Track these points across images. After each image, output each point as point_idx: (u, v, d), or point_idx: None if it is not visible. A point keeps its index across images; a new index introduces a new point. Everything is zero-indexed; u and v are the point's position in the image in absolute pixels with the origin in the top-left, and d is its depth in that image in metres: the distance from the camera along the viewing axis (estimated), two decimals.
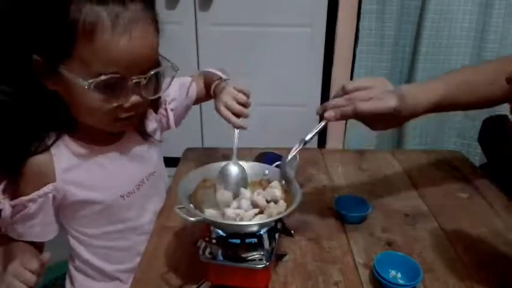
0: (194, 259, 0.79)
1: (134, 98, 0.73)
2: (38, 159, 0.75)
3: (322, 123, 0.78)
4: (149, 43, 0.71)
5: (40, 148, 0.75)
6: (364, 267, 0.78)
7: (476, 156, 1.64)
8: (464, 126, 1.68)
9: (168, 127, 0.97)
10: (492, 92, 0.83)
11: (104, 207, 0.83)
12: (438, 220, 0.93)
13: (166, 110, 0.94)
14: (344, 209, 0.91)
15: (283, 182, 0.77)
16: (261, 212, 0.73)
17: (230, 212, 0.71)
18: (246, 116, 0.86)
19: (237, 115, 0.85)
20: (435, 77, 0.86)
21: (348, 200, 0.94)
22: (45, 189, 0.76)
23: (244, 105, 0.86)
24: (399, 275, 0.74)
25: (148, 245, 0.84)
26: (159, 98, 0.89)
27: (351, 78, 1.70)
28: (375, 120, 0.77)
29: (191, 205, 0.70)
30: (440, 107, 0.82)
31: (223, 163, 0.80)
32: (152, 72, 0.73)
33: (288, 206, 0.71)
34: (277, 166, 0.81)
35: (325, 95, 1.78)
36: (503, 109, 1.66)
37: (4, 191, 0.76)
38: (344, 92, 0.78)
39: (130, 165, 0.87)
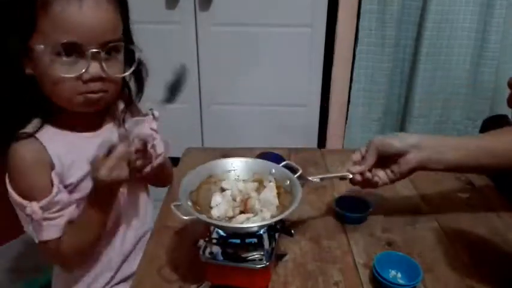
0: (194, 259, 0.79)
1: (93, 69, 0.74)
2: (32, 147, 0.77)
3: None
4: (104, 16, 0.74)
5: (24, 135, 0.77)
6: (364, 267, 0.78)
7: None
8: (465, 127, 1.67)
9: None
10: None
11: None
12: (438, 220, 0.93)
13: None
14: (344, 209, 0.91)
15: (288, 182, 0.76)
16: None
17: (215, 212, 0.71)
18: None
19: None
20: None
21: (348, 200, 0.94)
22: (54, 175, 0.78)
23: None
24: (399, 274, 0.74)
25: (148, 245, 0.84)
26: (130, 95, 0.90)
27: (351, 78, 1.70)
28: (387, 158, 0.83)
29: (189, 202, 0.70)
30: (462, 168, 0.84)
31: (233, 160, 0.81)
32: (111, 45, 0.75)
33: (286, 206, 0.71)
34: (284, 166, 0.80)
35: (325, 95, 1.78)
36: (503, 109, 1.66)
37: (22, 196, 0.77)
38: None
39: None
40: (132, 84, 0.89)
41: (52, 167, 0.79)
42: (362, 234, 0.87)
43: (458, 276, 0.76)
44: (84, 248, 0.84)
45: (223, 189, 0.76)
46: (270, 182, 0.77)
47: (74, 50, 0.73)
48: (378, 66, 1.65)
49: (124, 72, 0.81)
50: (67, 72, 0.74)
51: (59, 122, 0.82)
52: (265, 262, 0.69)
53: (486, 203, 1.00)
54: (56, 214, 0.79)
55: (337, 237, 0.87)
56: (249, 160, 0.81)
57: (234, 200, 0.74)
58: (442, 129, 1.70)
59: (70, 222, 0.81)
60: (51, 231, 0.79)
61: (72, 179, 0.82)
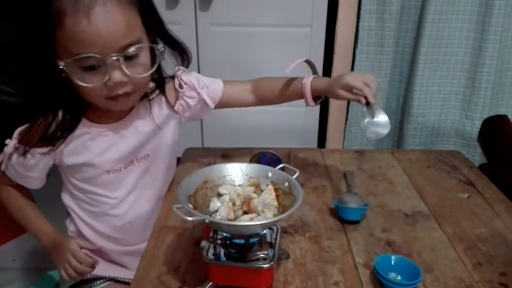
0: (194, 259, 0.79)
1: (116, 76, 0.75)
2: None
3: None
4: (116, 22, 0.73)
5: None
6: (364, 267, 0.78)
7: (476, 156, 1.64)
8: (464, 126, 1.68)
9: (200, 114, 1.00)
10: None
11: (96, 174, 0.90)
12: (438, 220, 0.93)
13: (198, 93, 0.96)
14: (344, 209, 0.91)
15: (286, 184, 0.77)
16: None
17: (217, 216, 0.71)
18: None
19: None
20: None
21: (347, 198, 0.94)
22: (45, 149, 0.84)
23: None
24: (399, 277, 0.74)
25: (148, 245, 0.84)
26: (163, 78, 0.92)
27: None
28: None
29: (190, 205, 0.70)
30: None
31: (229, 165, 0.81)
32: (132, 49, 0.75)
33: (287, 207, 0.71)
34: (281, 169, 0.80)
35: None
36: (502, 109, 1.67)
37: (21, 133, 0.85)
38: None
39: (123, 143, 0.89)
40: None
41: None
42: (362, 234, 0.88)
43: (458, 277, 0.76)
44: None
45: (220, 194, 0.76)
46: (268, 185, 0.77)
47: (93, 61, 0.74)
48: (378, 66, 1.66)
49: (151, 66, 0.81)
50: (92, 82, 0.76)
51: (89, 114, 0.86)
52: (270, 262, 0.69)
53: (486, 203, 1.00)
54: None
55: (337, 237, 0.87)
56: (245, 165, 0.81)
57: (234, 204, 0.74)
58: (441, 129, 1.71)
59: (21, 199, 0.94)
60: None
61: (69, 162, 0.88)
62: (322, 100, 0.97)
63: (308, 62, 0.97)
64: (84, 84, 0.76)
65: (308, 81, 0.94)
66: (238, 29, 1.68)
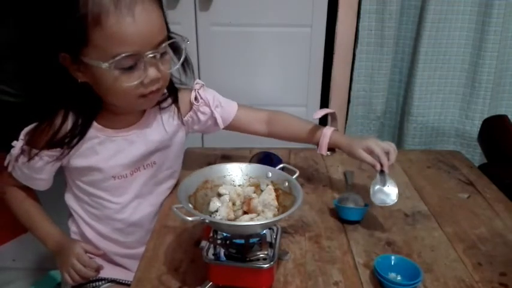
0: (194, 259, 0.79)
1: (152, 73, 0.77)
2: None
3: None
4: (154, 19, 0.76)
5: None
6: (364, 267, 0.78)
7: (476, 156, 1.64)
8: (464, 126, 1.68)
9: (206, 129, 1.01)
10: None
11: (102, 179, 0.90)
12: (438, 220, 0.93)
13: (212, 111, 0.97)
14: (344, 209, 0.91)
15: (286, 184, 0.77)
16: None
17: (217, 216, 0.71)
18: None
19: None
20: None
21: (347, 198, 0.94)
22: (54, 152, 0.84)
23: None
24: (399, 277, 0.74)
25: (148, 245, 0.84)
26: (174, 87, 0.93)
27: (351, 78, 1.70)
28: None
29: (190, 205, 0.70)
30: None
31: (229, 165, 0.81)
32: (164, 45, 0.78)
33: (288, 207, 0.71)
34: (281, 169, 0.80)
35: (325, 95, 1.78)
36: (502, 109, 1.66)
37: (28, 135, 0.84)
38: None
39: (131, 150, 0.89)
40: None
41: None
42: (362, 234, 0.88)
43: (458, 277, 0.76)
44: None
45: (220, 195, 0.76)
46: (268, 185, 0.77)
47: (132, 59, 0.75)
48: (378, 66, 1.66)
49: (172, 64, 0.83)
50: (129, 81, 0.76)
51: (101, 120, 0.86)
52: (270, 262, 0.69)
53: (486, 203, 1.00)
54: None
55: (337, 237, 0.87)
56: (245, 165, 0.81)
57: (234, 204, 0.74)
58: (441, 129, 1.71)
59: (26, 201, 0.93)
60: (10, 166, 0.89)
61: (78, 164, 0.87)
62: (334, 153, 0.99)
63: (333, 115, 1.01)
64: (126, 84, 0.76)
65: (329, 132, 0.97)
66: (238, 29, 1.68)
